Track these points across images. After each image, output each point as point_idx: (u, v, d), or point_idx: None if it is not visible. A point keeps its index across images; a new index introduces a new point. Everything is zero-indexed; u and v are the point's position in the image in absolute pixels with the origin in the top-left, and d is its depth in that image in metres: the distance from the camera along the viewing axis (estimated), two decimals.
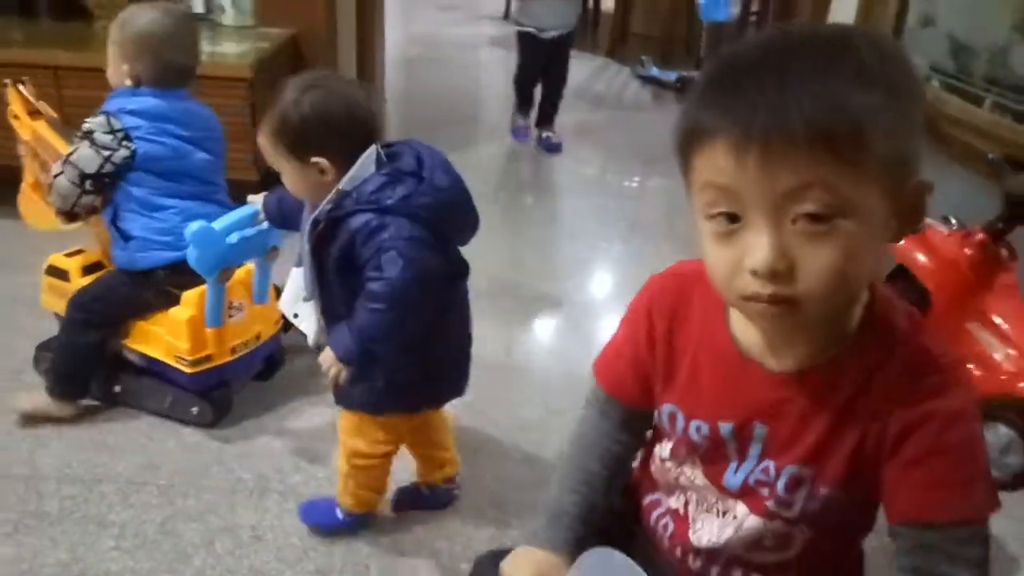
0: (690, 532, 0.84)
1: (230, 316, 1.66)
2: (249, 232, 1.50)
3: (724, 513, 0.81)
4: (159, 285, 1.67)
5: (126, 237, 1.66)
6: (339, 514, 1.47)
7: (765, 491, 0.77)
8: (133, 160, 1.62)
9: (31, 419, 1.70)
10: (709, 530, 0.82)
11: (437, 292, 1.26)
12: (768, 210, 0.64)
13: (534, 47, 3.29)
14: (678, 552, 0.86)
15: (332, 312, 1.30)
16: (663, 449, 0.86)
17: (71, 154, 1.61)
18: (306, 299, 1.34)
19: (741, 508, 0.80)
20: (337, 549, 1.46)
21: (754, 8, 4.90)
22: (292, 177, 1.28)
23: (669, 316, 0.82)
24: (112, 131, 1.61)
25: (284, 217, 1.45)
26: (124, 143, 1.61)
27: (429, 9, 5.98)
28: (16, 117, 1.75)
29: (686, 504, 0.85)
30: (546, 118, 3.51)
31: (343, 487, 1.44)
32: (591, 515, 0.86)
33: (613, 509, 0.90)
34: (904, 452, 0.71)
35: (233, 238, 1.49)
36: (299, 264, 1.34)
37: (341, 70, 2.78)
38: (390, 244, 1.19)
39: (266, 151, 1.28)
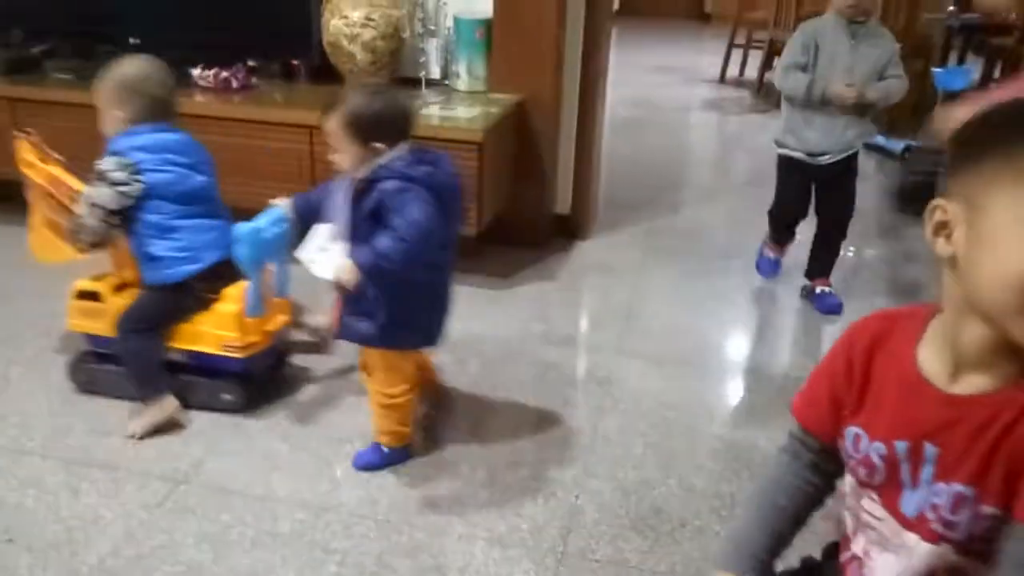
0: (864, 571, 0.88)
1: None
2: (278, 230, 1.77)
3: (899, 548, 0.84)
4: (193, 292, 1.94)
5: (151, 258, 1.92)
6: (384, 450, 1.83)
7: (932, 515, 0.81)
8: (146, 190, 1.87)
9: (158, 431, 1.91)
10: (884, 568, 0.86)
11: (437, 249, 1.67)
12: None
13: (801, 174, 2.53)
14: None
15: None
16: (847, 483, 0.91)
17: (92, 196, 1.84)
18: (335, 241, 1.68)
19: (913, 538, 0.83)
20: None
21: (996, 76, 4.60)
22: (350, 156, 1.65)
23: (869, 347, 0.88)
24: (123, 168, 1.85)
25: (310, 211, 1.77)
26: (135, 177, 1.86)
27: (646, 72, 6.08)
28: (31, 165, 1.97)
29: (866, 545, 0.89)
30: (820, 267, 2.64)
31: (379, 428, 1.82)
32: (777, 546, 0.95)
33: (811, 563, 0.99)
34: None
35: (269, 236, 1.76)
36: (324, 222, 1.72)
37: (563, 133, 2.89)
38: (413, 199, 1.59)
39: (333, 136, 1.64)
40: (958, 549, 0.82)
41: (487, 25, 2.73)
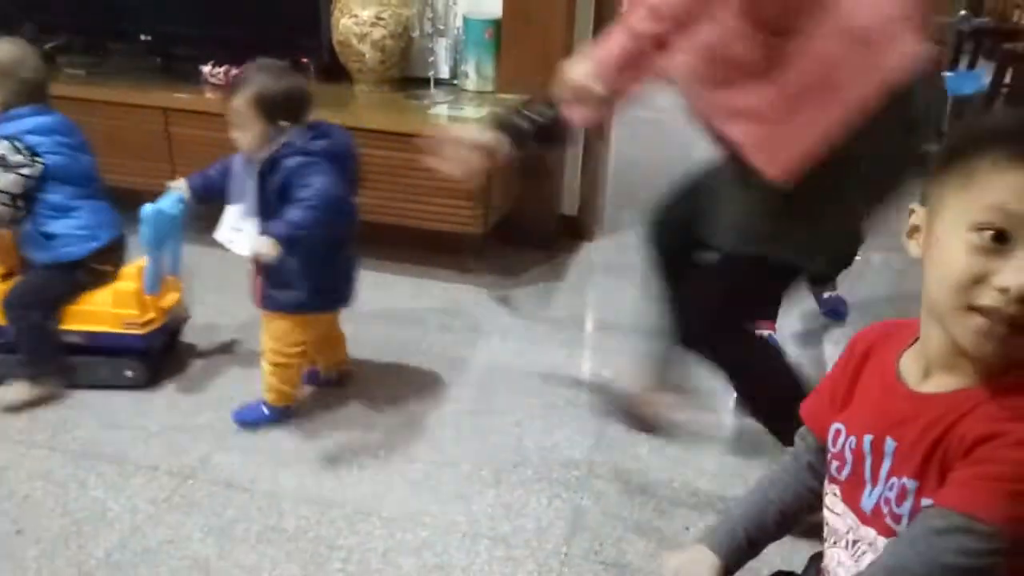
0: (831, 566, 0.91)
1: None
2: (176, 212, 1.86)
3: (855, 543, 0.87)
4: (87, 270, 1.99)
5: (48, 237, 1.96)
6: (264, 410, 1.93)
7: (886, 509, 0.84)
8: (45, 172, 1.92)
9: (17, 409, 1.95)
10: (845, 568, 0.88)
11: (343, 215, 1.79)
12: None
13: None
14: None
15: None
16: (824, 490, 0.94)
17: None
18: (247, 219, 1.79)
19: (869, 532, 0.86)
20: None
21: (1007, 81, 4.58)
22: (254, 134, 1.74)
23: (866, 351, 0.92)
24: (20, 152, 1.88)
25: (207, 191, 1.87)
26: (34, 159, 1.90)
27: None
28: None
29: (830, 543, 0.92)
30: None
31: (266, 385, 1.92)
32: (759, 535, 0.98)
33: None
34: (972, 455, 0.76)
35: (169, 217, 1.85)
36: (233, 203, 1.82)
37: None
38: (317, 171, 1.71)
39: (239, 114, 1.73)
40: None
41: (496, 25, 2.74)
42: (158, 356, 2.12)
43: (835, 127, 1.36)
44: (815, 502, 0.98)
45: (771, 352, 1.69)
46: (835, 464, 0.91)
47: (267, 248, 1.66)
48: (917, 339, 0.86)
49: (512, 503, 1.74)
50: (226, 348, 2.28)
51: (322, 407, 2.04)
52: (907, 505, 0.81)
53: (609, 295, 2.75)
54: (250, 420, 1.94)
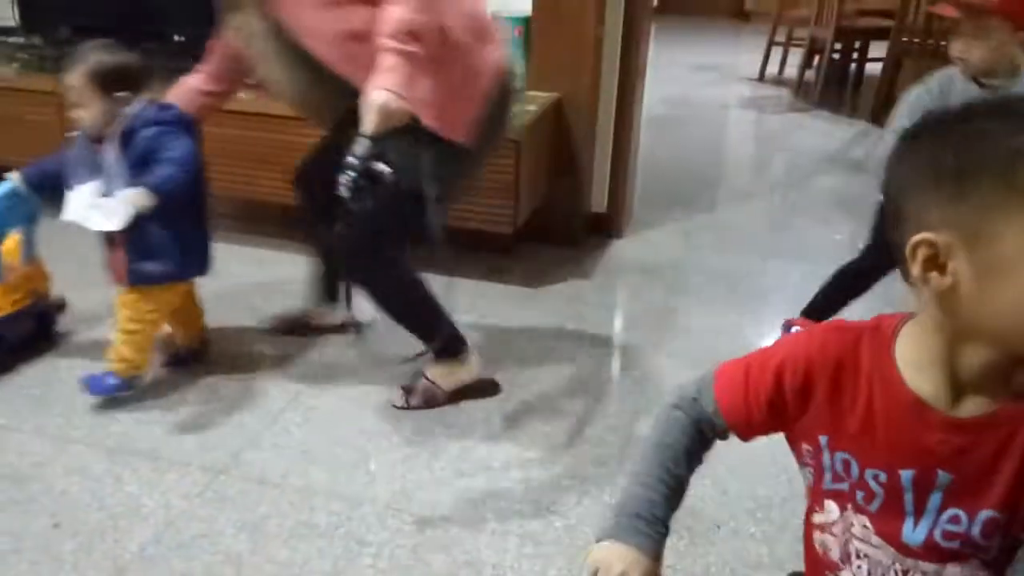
0: None
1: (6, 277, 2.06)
2: (10, 203, 1.95)
3: (906, 573, 0.83)
4: None
5: None
6: (111, 380, 1.96)
7: (957, 543, 0.80)
8: None
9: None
10: None
11: (200, 183, 1.93)
12: None
13: None
14: None
15: None
16: (827, 514, 0.88)
17: None
18: (103, 195, 1.85)
19: (926, 565, 0.82)
20: None
21: None
22: (94, 109, 1.83)
23: (835, 361, 0.83)
24: None
25: (44, 180, 1.96)
26: None
27: (684, 70, 6.05)
28: None
29: (866, 572, 0.86)
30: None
31: (115, 354, 1.95)
32: (670, 510, 0.89)
33: None
34: None
35: (2, 209, 1.95)
36: (77, 185, 1.87)
37: (599, 131, 2.89)
38: (174, 136, 1.84)
39: (76, 91, 1.82)
40: (980, 565, 0.82)
41: (526, 23, 2.74)
42: (12, 344, 2.13)
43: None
44: (702, 458, 0.93)
45: (413, 275, 1.94)
46: (860, 494, 0.84)
47: (139, 199, 1.77)
48: (895, 347, 0.81)
49: (542, 500, 1.74)
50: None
51: (351, 403, 2.05)
52: (999, 536, 0.79)
53: (637, 293, 2.74)
54: (99, 390, 1.97)
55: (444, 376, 2.04)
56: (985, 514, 0.79)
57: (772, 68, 5.79)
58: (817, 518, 0.90)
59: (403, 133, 1.66)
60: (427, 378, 2.03)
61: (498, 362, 2.24)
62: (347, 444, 1.90)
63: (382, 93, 1.62)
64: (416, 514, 1.69)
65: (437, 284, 1.96)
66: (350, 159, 1.62)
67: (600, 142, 2.93)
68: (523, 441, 1.93)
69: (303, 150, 2.15)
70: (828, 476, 0.87)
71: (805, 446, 0.88)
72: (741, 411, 0.90)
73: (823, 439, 0.86)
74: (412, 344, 1.99)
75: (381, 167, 1.63)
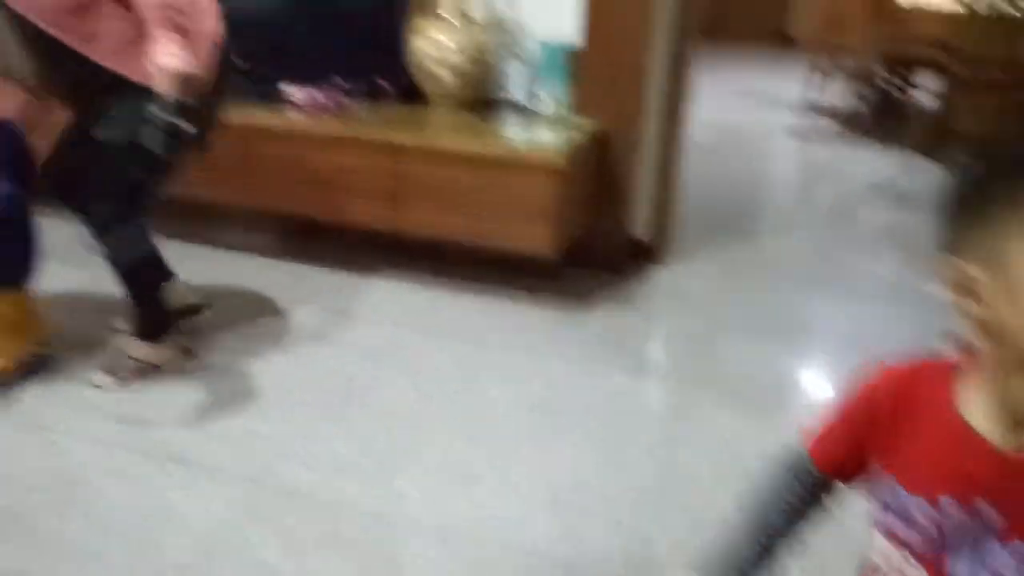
0: None
1: None
2: None
3: None
4: None
5: None
6: None
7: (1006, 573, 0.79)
8: None
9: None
10: None
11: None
12: None
13: None
14: None
15: None
16: (876, 545, 0.87)
17: None
18: None
19: None
20: None
21: None
22: None
23: (895, 391, 0.86)
24: None
25: None
26: None
27: (727, 96, 6.02)
28: None
29: None
30: None
31: None
32: (765, 561, 0.94)
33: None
34: None
35: None
36: None
37: (644, 158, 2.89)
38: None
39: None
40: None
41: (573, 51, 2.76)
42: None
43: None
44: (811, 517, 0.96)
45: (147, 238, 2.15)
46: (900, 526, 0.84)
47: None
48: (953, 379, 0.82)
49: (573, 524, 1.74)
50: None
51: (379, 419, 2.07)
52: None
53: (677, 321, 2.73)
54: None
55: (145, 352, 2.20)
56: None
57: (816, 96, 5.74)
58: (873, 555, 0.90)
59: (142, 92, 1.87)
60: (131, 356, 2.19)
61: (530, 384, 2.24)
62: (376, 459, 1.92)
63: (172, 58, 1.84)
64: (444, 532, 1.70)
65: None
66: (156, 113, 1.85)
67: (644, 169, 2.93)
68: (551, 466, 1.93)
69: None
70: (886, 498, 0.87)
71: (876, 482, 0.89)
72: (831, 459, 0.93)
73: (884, 469, 0.87)
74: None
75: (183, 123, 1.88)
